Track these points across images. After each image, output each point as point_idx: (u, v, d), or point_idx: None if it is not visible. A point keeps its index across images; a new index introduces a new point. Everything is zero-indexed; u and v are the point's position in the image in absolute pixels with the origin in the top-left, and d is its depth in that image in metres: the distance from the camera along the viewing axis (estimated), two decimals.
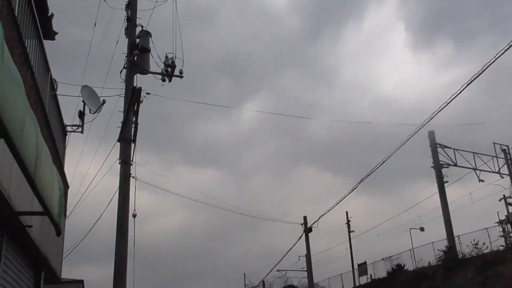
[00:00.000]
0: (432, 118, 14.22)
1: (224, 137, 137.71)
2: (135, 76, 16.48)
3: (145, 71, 16.44)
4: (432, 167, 29.02)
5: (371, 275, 40.48)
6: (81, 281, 13.43)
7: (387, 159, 16.39)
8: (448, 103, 14.13)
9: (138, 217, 16.47)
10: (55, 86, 9.59)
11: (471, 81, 13.36)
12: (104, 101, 14.57)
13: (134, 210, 15.63)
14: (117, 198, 15.47)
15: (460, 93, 14.07)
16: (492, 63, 12.31)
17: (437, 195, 28.86)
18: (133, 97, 14.79)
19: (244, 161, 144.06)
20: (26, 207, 6.64)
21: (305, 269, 48.66)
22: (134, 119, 15.68)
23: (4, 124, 2.69)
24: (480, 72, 12.74)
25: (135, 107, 15.41)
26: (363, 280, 40.99)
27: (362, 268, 41.54)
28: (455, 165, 28.62)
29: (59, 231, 4.72)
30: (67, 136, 13.23)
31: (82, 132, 14.05)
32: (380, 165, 17.10)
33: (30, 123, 3.26)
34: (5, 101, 2.62)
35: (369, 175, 18.31)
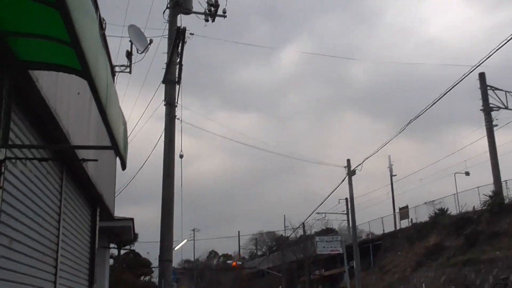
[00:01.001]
0: (487, 58, 13.77)
1: (264, 81, 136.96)
2: (178, 16, 16.42)
3: (188, 10, 16.32)
4: (481, 110, 28.39)
5: (411, 219, 40.61)
6: (132, 219, 13.92)
7: (437, 100, 16.08)
8: (504, 44, 13.63)
9: (180, 162, 16.77)
10: (104, 25, 9.65)
11: None
12: (151, 41, 14.59)
13: (181, 151, 15.92)
14: (163, 140, 15.75)
15: None
16: None
17: (484, 139, 28.38)
18: (177, 38, 14.76)
19: (284, 106, 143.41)
20: (82, 144, 6.84)
21: (345, 212, 49.11)
22: (178, 60, 15.72)
23: (84, 54, 2.76)
24: None
25: (179, 48, 15.41)
26: (404, 223, 41.17)
27: (404, 212, 41.61)
28: (506, 108, 27.92)
29: (124, 165, 4.86)
30: (115, 77, 13.39)
31: (130, 72, 14.17)
32: (430, 107, 16.80)
33: (102, 56, 3.33)
34: (83, 32, 2.68)
35: (418, 116, 18.04)
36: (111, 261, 20.58)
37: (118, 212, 13.94)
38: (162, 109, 16.07)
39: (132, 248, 20.60)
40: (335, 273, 46.12)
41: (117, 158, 10.68)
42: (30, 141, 5.42)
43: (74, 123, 6.24)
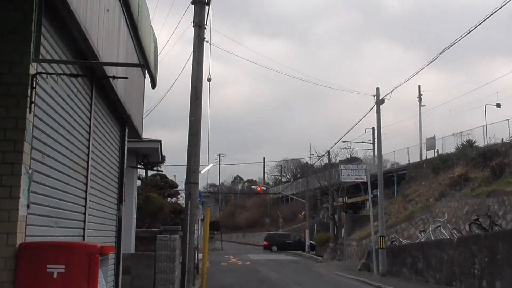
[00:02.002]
0: None
1: (295, 7, 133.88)
2: None
3: None
4: None
5: (438, 150, 40.41)
6: (159, 141, 14.09)
7: (474, 28, 15.48)
8: None
9: (207, 86, 16.75)
10: None
11: None
12: None
13: (209, 74, 15.90)
14: (191, 63, 15.67)
15: None
16: None
17: None
18: None
19: (313, 33, 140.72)
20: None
21: (371, 141, 48.95)
22: None
23: None
24: None
25: None
26: (430, 154, 41.04)
27: (430, 142, 41.35)
28: None
29: (154, 84, 4.83)
30: None
31: None
32: (466, 35, 16.22)
33: None
34: None
35: (452, 45, 17.49)
36: (139, 183, 21.07)
37: (146, 135, 14.13)
38: (191, 32, 15.90)
39: (159, 169, 20.98)
40: (358, 201, 46.74)
41: (145, 79, 10.67)
42: (60, 57, 5.40)
43: (103, 41, 6.18)
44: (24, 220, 4.49)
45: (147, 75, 10.48)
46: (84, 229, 6.64)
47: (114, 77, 5.93)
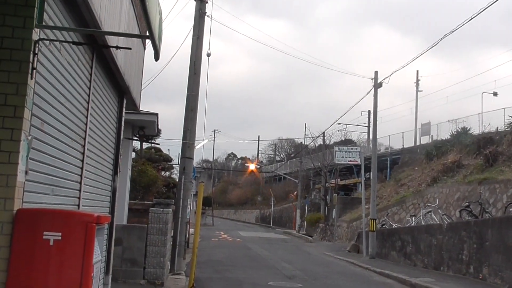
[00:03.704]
0: None
1: None
2: None
3: None
4: None
5: (432, 135, 40.56)
6: (156, 114, 14.06)
7: (475, 16, 15.42)
8: None
9: (206, 61, 16.66)
10: None
11: None
12: None
13: (209, 49, 15.82)
14: (191, 37, 15.58)
15: None
16: None
17: None
18: None
19: (313, 15, 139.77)
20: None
21: (366, 124, 49.14)
22: None
23: None
24: None
25: None
26: (425, 140, 41.20)
27: (425, 128, 41.51)
28: None
29: (157, 55, 4.81)
30: None
31: None
32: (467, 22, 16.17)
33: None
34: None
35: (453, 31, 17.43)
36: (133, 155, 21.06)
37: (143, 107, 14.11)
38: (192, 6, 15.77)
39: (155, 142, 20.98)
40: (350, 183, 46.99)
41: (145, 51, 10.61)
42: (63, 25, 5.35)
43: (106, 10, 6.13)
44: (22, 186, 4.50)
45: (147, 46, 10.43)
46: (79, 198, 6.65)
47: (117, 47, 5.90)
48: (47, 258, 4.51)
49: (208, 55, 16.00)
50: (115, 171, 9.36)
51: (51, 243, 4.52)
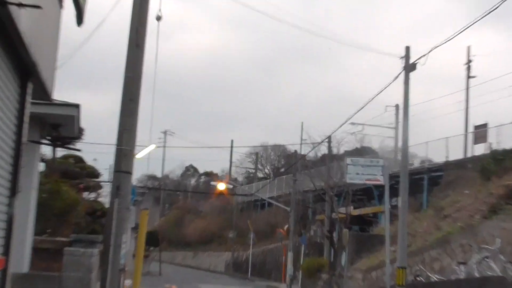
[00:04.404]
0: None
1: None
2: None
3: None
4: None
5: (491, 143, 40.95)
6: (77, 105, 14.01)
7: None
8: None
9: (156, 28, 16.62)
10: None
11: None
12: None
13: (159, 10, 15.77)
14: None
15: None
16: None
17: None
18: None
19: None
20: None
21: (392, 125, 49.38)
22: None
23: None
24: None
25: None
26: (480, 149, 41.57)
27: (481, 132, 41.90)
28: None
29: (81, 18, 4.82)
30: None
31: None
32: None
33: None
34: None
35: None
36: (42, 166, 20.92)
37: (59, 97, 14.01)
38: None
39: (74, 148, 20.94)
40: (368, 213, 47.14)
41: (64, 12, 10.57)
42: None
43: None
44: None
45: (66, 5, 10.38)
46: None
47: (20, 5, 5.87)
48: None
49: (158, 18, 15.99)
50: (13, 191, 9.31)
51: None
